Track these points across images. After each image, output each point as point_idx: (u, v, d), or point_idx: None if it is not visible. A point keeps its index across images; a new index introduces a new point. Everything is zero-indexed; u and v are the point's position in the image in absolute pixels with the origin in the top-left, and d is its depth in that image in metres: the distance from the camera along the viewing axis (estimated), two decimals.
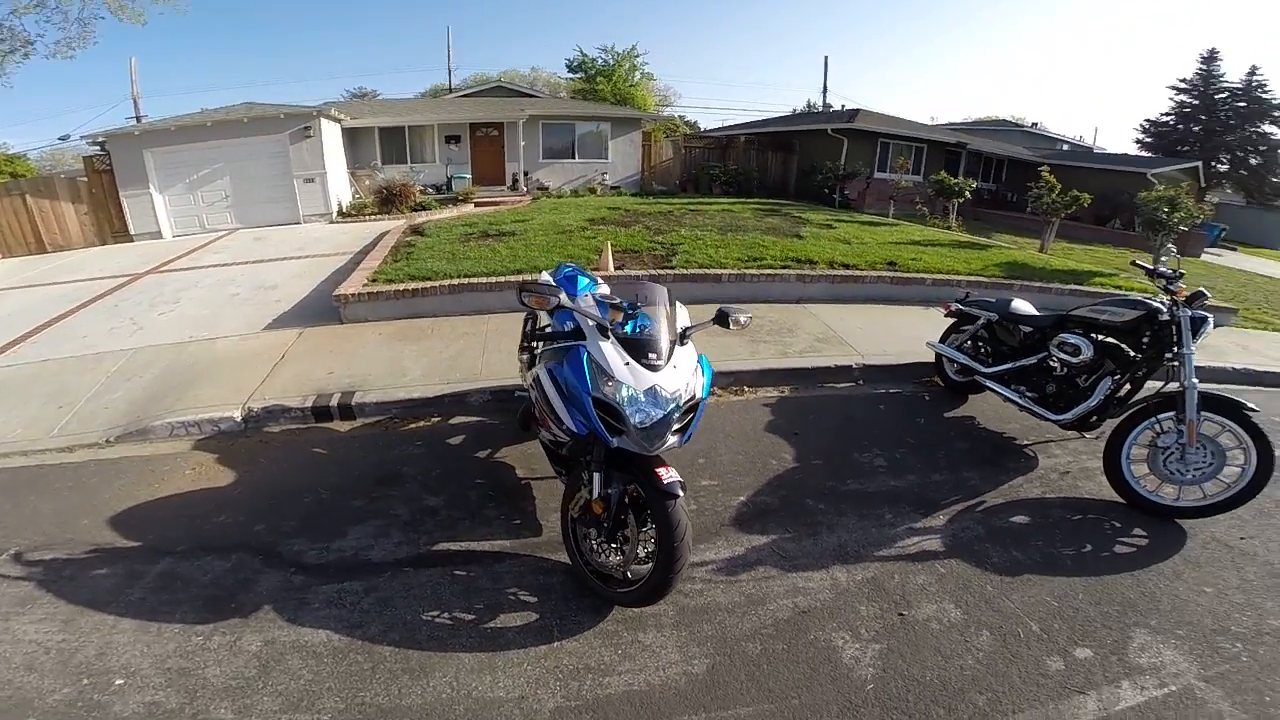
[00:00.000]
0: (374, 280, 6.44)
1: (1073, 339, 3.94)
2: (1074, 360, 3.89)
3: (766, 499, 3.47)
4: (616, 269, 6.66)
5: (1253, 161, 31.82)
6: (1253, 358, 6.12)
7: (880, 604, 2.68)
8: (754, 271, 6.74)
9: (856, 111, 19.75)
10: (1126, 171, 20.92)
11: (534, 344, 3.89)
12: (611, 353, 2.35)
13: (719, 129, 25.50)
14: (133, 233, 12.65)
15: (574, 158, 18.41)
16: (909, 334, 6.02)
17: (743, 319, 2.77)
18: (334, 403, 4.48)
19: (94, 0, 15.05)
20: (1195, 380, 3.37)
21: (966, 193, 14.11)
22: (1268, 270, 17.37)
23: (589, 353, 2.37)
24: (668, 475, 2.28)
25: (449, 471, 3.74)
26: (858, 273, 7.26)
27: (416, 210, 13.19)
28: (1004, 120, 34.76)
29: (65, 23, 15.19)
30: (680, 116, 31.20)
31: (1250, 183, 31.90)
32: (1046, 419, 4.02)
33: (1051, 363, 4.12)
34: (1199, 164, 24.06)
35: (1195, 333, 3.47)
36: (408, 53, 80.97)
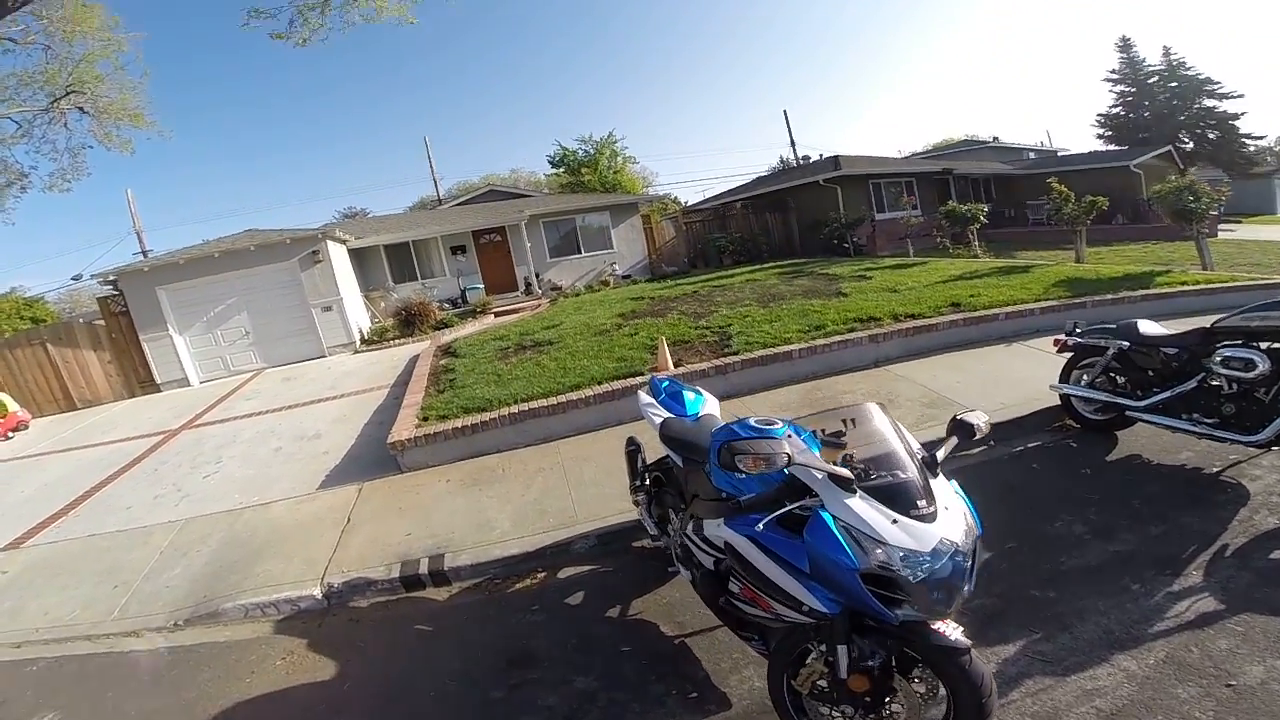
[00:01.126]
0: (425, 419, 6.05)
1: (1241, 354, 3.66)
2: (1247, 376, 3.60)
3: (985, 602, 2.93)
4: (675, 365, 6.28)
5: (1212, 136, 32.32)
6: None
7: (1196, 683, 2.34)
8: (823, 341, 6.34)
9: (837, 158, 20.08)
10: (1110, 167, 21.13)
11: (650, 484, 3.53)
12: (869, 512, 1.86)
13: (711, 199, 25.98)
14: (159, 380, 12.45)
15: (580, 252, 18.57)
16: (1012, 378, 5.65)
17: (981, 423, 2.25)
18: (424, 569, 3.98)
19: (80, 129, 15.19)
20: None
21: (981, 217, 13.98)
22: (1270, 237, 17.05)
23: (835, 516, 1.88)
24: (947, 626, 1.89)
25: (585, 640, 3.18)
26: (928, 322, 6.87)
27: (439, 329, 13.05)
28: (968, 140, 35.73)
29: (55, 153, 15.28)
30: (668, 195, 32.11)
31: (1221, 157, 32.26)
32: (1238, 442, 3.68)
33: (1213, 382, 3.82)
34: (1170, 148, 24.36)
35: None
36: (386, 167, 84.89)
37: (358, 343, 13.18)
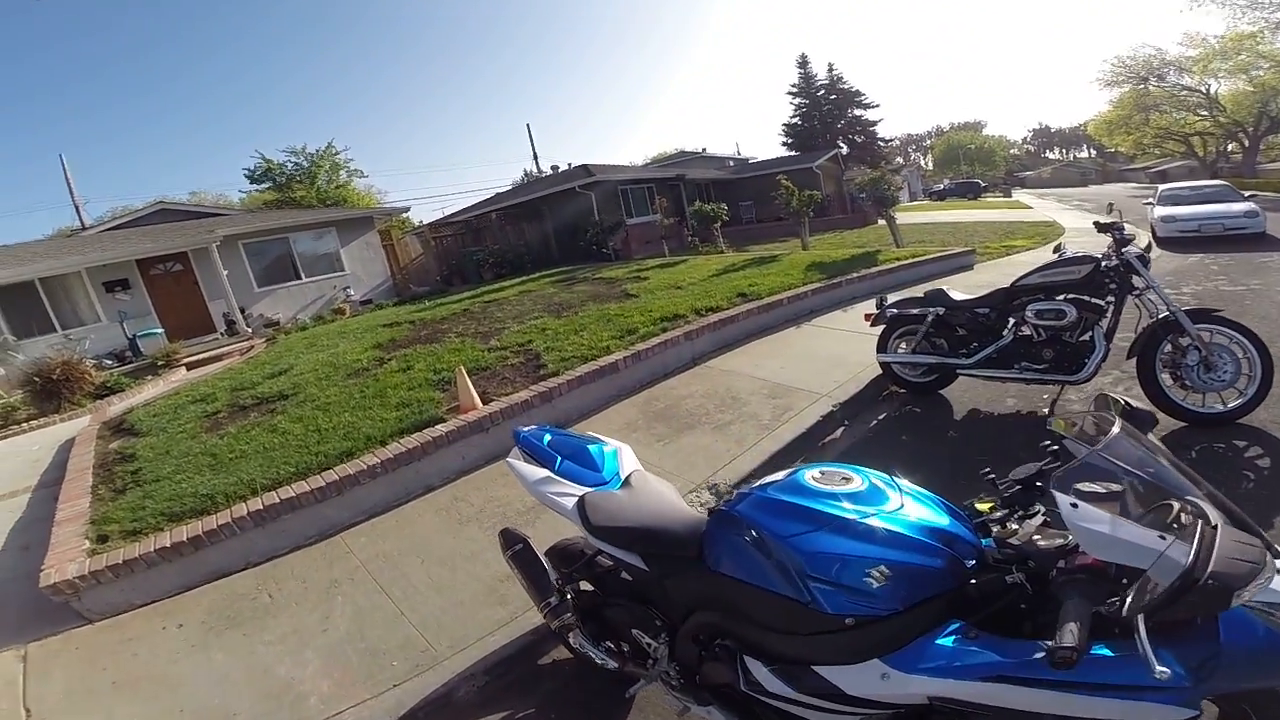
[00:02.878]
0: (101, 539, 3.77)
1: (1052, 305, 4.05)
2: (1060, 324, 4.01)
3: None
4: (482, 400, 4.97)
5: (859, 140, 41.00)
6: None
7: None
8: (644, 346, 5.62)
9: (587, 166, 20.19)
10: (800, 169, 24.93)
11: (577, 597, 2.21)
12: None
13: (462, 213, 23.97)
14: None
15: (299, 278, 15.37)
16: (826, 356, 5.75)
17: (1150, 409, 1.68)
18: None
19: None
20: (1173, 302, 3.75)
21: (723, 216, 15.04)
22: (925, 219, 22.00)
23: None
24: None
25: None
26: (729, 314, 6.72)
27: (102, 396, 9.28)
28: (683, 151, 39.90)
29: None
30: (406, 210, 29.02)
31: (866, 157, 41.06)
32: (1065, 382, 4.03)
33: (1023, 332, 4.23)
34: (836, 151, 30.12)
35: (1146, 265, 3.79)
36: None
37: None
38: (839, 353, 5.75)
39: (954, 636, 1.32)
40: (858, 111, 41.02)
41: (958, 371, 4.49)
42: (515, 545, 2.30)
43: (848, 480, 1.57)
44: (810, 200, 13.66)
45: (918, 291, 4.85)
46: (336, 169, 25.57)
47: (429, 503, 4.03)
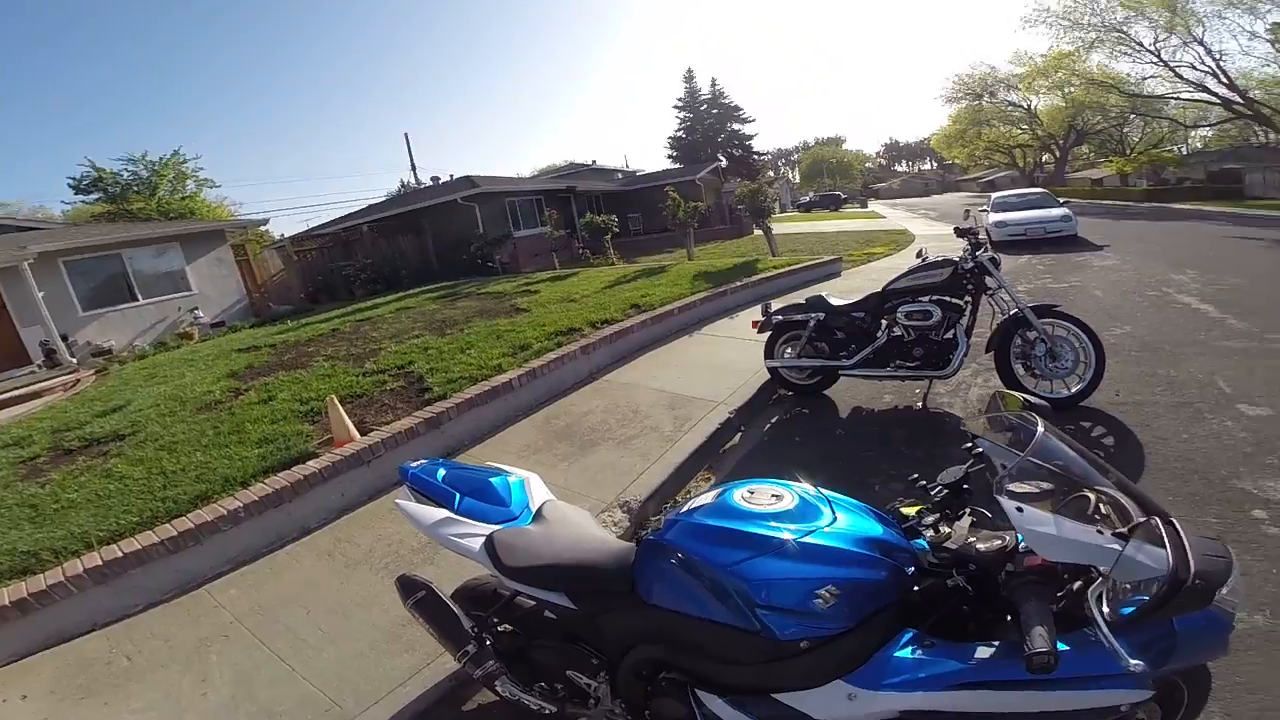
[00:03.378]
0: None
1: (919, 307, 4.37)
2: (928, 324, 4.33)
3: None
4: (360, 431, 4.57)
5: (737, 154, 43.11)
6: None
7: None
8: (539, 363, 5.44)
9: (470, 177, 19.53)
10: (684, 181, 25.76)
11: (499, 642, 1.98)
12: None
13: (330, 224, 22.18)
14: None
15: (137, 299, 13.55)
16: (718, 364, 5.91)
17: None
18: None
19: None
20: (1021, 299, 4.25)
21: (614, 228, 15.14)
22: (796, 229, 23.49)
23: None
24: None
25: None
26: (623, 325, 6.73)
27: None
28: (573, 163, 39.86)
29: None
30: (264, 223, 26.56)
31: (742, 170, 43.25)
32: (935, 377, 4.43)
33: (895, 332, 4.53)
34: (717, 164, 31.53)
35: (997, 267, 4.27)
36: None
37: None
38: (730, 359, 5.93)
39: (911, 647, 1.32)
40: (736, 126, 43.12)
41: (840, 373, 4.77)
42: (416, 593, 1.99)
43: (779, 498, 1.54)
44: (695, 212, 14.11)
45: (798, 298, 5.10)
46: (183, 179, 22.86)
47: (308, 546, 3.62)
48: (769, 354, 5.08)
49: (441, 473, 2.07)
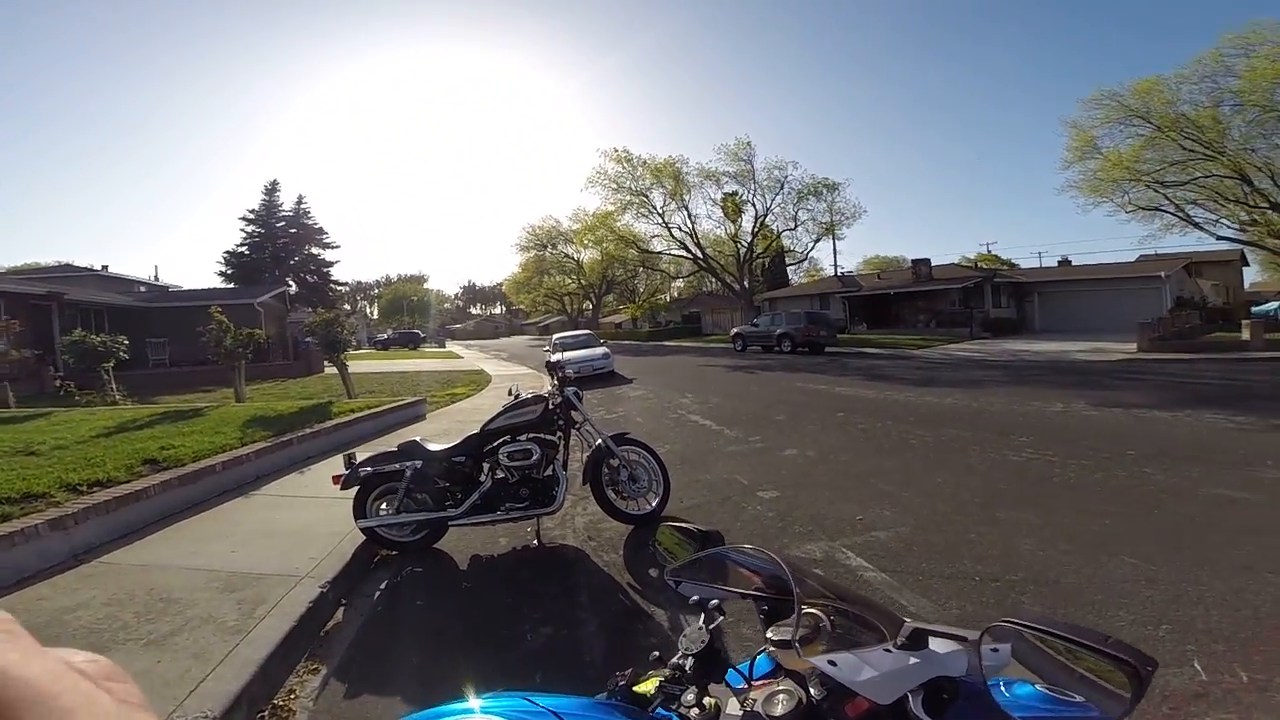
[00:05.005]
0: None
1: (519, 446, 4.38)
2: (530, 462, 4.34)
3: None
4: None
5: (312, 280, 39.79)
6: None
7: None
8: None
9: None
10: (240, 304, 22.04)
11: None
12: None
13: None
14: None
15: None
16: (292, 529, 4.81)
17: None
18: None
19: None
20: (603, 430, 4.68)
21: (121, 353, 11.40)
22: (374, 368, 22.12)
23: None
24: None
25: None
26: (133, 488, 4.78)
27: None
28: (70, 265, 29.90)
29: None
30: None
31: (316, 298, 39.74)
32: (543, 514, 4.38)
33: (498, 474, 4.41)
34: (285, 289, 28.31)
35: (580, 401, 4.65)
36: None
37: None
38: (308, 523, 4.76)
39: None
40: (317, 250, 40.00)
41: (449, 523, 4.32)
42: None
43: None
44: (249, 340, 11.80)
45: (389, 445, 4.54)
46: None
47: None
48: (360, 512, 4.26)
49: None
